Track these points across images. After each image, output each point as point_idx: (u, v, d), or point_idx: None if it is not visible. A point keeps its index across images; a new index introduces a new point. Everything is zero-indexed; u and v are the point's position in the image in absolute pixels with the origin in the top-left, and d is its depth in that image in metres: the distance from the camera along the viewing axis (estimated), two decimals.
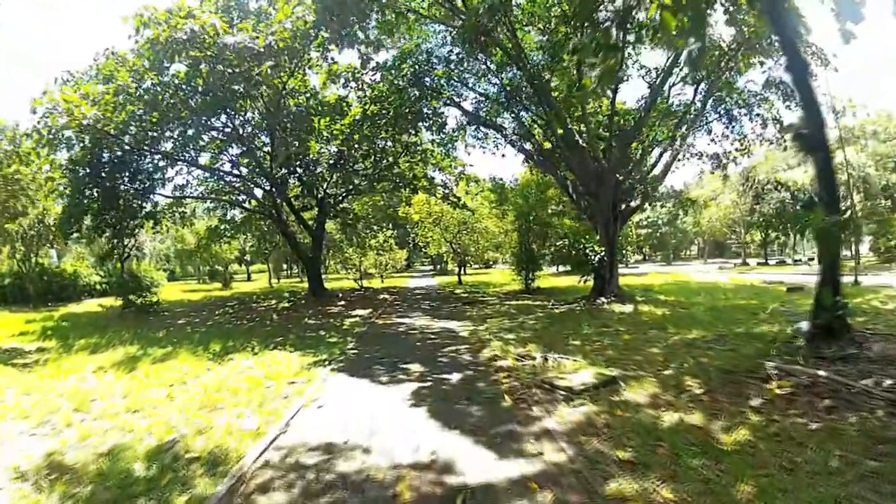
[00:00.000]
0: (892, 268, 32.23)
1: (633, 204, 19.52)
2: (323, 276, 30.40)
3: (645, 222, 63.27)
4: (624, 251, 30.82)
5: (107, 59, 18.63)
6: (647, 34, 7.93)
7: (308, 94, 21.05)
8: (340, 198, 27.33)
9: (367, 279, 36.40)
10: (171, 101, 17.93)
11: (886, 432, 4.39)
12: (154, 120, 17.72)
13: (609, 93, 17.76)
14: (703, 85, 18.91)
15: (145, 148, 20.39)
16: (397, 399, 6.40)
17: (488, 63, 18.99)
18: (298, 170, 24.29)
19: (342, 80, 19.61)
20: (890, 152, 41.36)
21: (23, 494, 4.00)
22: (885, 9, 8.27)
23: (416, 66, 19.04)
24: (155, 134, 19.51)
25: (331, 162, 24.32)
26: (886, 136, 41.93)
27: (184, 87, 18.38)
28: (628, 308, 14.20)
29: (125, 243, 23.85)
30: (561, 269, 35.57)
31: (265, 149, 22.49)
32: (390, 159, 24.66)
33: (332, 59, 18.11)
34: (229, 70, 15.64)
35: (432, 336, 11.92)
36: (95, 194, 20.69)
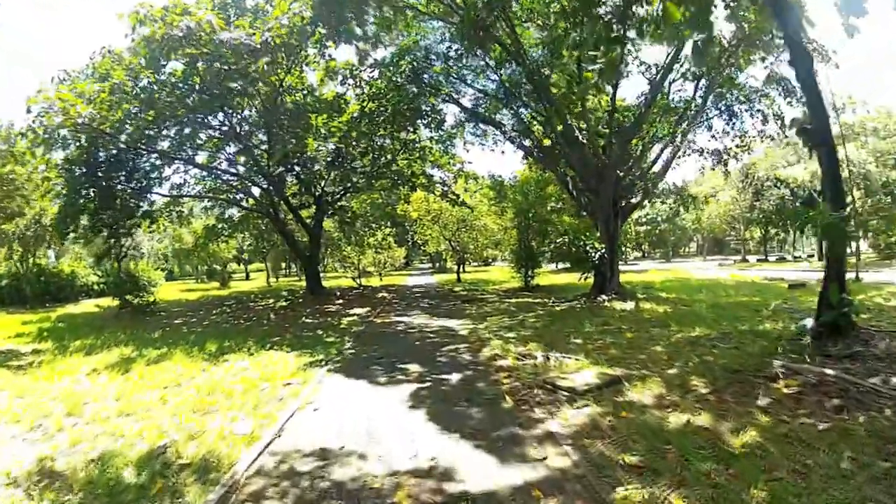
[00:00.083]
0: (893, 264, 32.14)
1: (633, 201, 19.37)
2: (321, 275, 30.27)
3: (644, 219, 63.07)
4: (623, 248, 30.62)
5: (103, 58, 18.44)
6: (648, 28, 7.74)
7: (305, 91, 20.87)
8: (338, 196, 27.16)
9: (365, 277, 36.24)
10: (168, 99, 17.74)
11: None
12: (150, 118, 17.52)
13: (609, 88, 17.59)
14: (703, 81, 18.75)
15: (142, 147, 20.22)
16: (395, 401, 6.24)
17: (487, 59, 18.81)
18: (296, 168, 24.11)
19: (340, 77, 19.43)
20: (890, 149, 41.24)
21: (14, 501, 3.90)
22: (888, 3, 8.14)
23: (415, 63, 18.87)
24: (151, 133, 19.32)
25: (328, 159, 24.17)
26: (886, 133, 41.81)
27: (180, 84, 18.19)
28: (630, 305, 14.06)
29: (122, 243, 23.68)
30: (560, 266, 35.44)
31: (262, 147, 22.31)
32: (388, 157, 24.50)
33: (330, 55, 17.94)
34: (225, 67, 15.45)
35: (431, 335, 11.76)
36: (92, 194, 20.52)
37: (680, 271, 34.67)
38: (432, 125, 21.51)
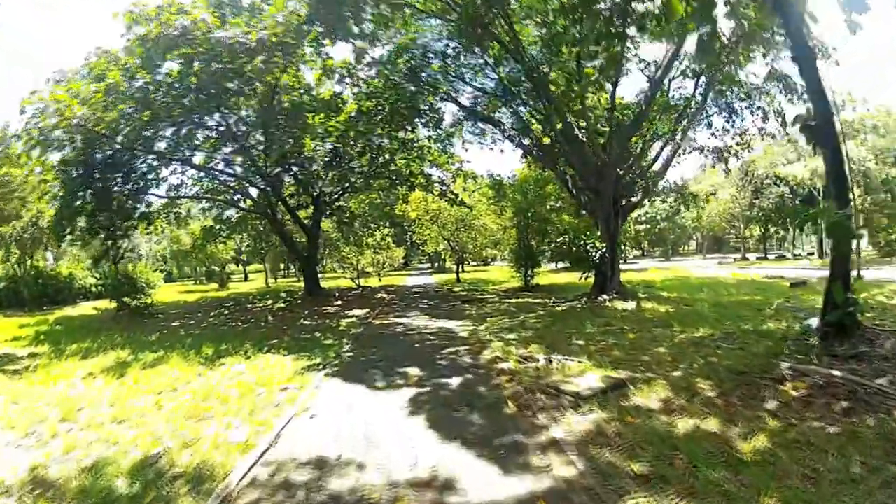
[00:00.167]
0: (893, 262, 32.07)
1: (633, 199, 19.25)
2: (320, 276, 30.12)
3: (643, 218, 62.99)
4: (623, 247, 30.62)
5: (98, 58, 18.26)
6: (650, 24, 7.63)
7: (302, 90, 20.71)
8: (336, 196, 27.02)
9: (364, 278, 36.11)
10: (164, 99, 17.59)
11: None
12: (146, 119, 17.37)
13: (609, 86, 17.47)
14: (703, 78, 18.64)
15: (138, 148, 20.05)
16: (394, 406, 6.09)
17: (485, 57, 18.66)
18: (293, 168, 23.94)
19: (337, 76, 19.27)
20: (889, 146, 41.19)
21: None
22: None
23: (412, 61, 18.72)
24: (148, 133, 19.17)
25: (326, 159, 24.00)
26: (886, 131, 41.75)
27: (176, 85, 18.02)
28: (631, 305, 13.94)
29: (119, 245, 23.52)
30: (560, 265, 35.37)
31: (259, 147, 22.16)
32: (387, 156, 24.36)
33: (327, 54, 17.79)
34: (220, 66, 15.31)
35: (431, 337, 11.60)
36: (88, 196, 20.36)
37: (680, 270, 34.56)
38: (430, 124, 21.37)
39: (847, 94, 35.65)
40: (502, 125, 20.88)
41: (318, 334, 12.60)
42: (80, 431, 5.57)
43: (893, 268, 26.02)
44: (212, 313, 19.40)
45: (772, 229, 58.32)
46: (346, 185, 26.04)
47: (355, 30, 13.43)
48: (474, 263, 56.81)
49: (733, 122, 20.53)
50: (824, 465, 3.81)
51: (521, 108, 20.04)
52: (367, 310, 18.31)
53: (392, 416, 5.73)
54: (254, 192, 25.58)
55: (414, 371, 7.87)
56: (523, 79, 18.06)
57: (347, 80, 19.48)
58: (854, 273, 18.30)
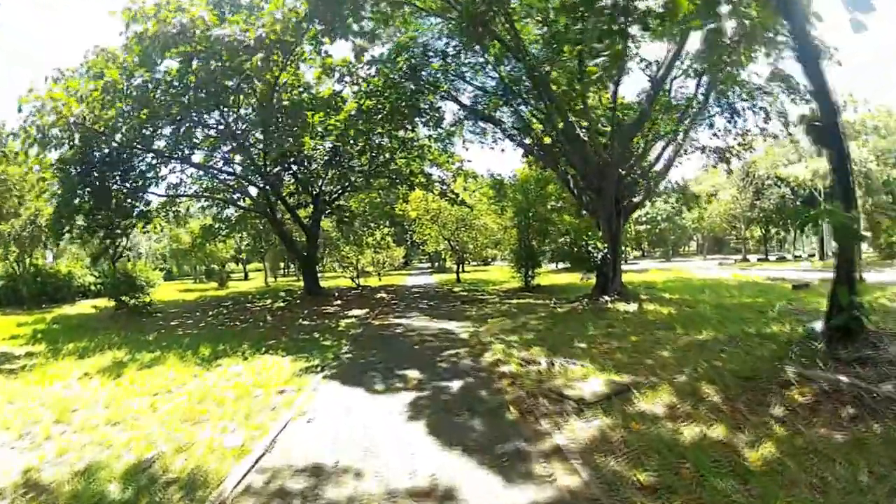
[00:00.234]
0: (895, 264, 31.98)
1: (635, 199, 19.12)
2: (319, 275, 30.02)
3: (644, 218, 62.88)
4: (624, 247, 30.53)
5: (97, 56, 18.14)
6: (653, 21, 7.52)
7: (302, 88, 20.60)
8: (336, 195, 26.92)
9: (364, 277, 36.00)
10: (163, 97, 17.50)
11: None
12: (144, 117, 17.26)
13: (611, 85, 17.35)
14: (704, 78, 18.52)
15: (137, 146, 19.97)
16: (393, 411, 5.97)
17: (486, 56, 18.54)
18: (293, 167, 23.86)
19: (337, 75, 19.16)
20: (891, 148, 41.11)
21: None
22: None
23: (412, 60, 18.57)
24: (147, 132, 19.08)
25: (326, 158, 23.91)
26: (887, 132, 41.67)
27: (175, 83, 17.93)
28: (633, 307, 13.79)
29: (117, 243, 23.43)
30: (560, 265, 35.26)
31: (259, 146, 22.06)
32: (387, 155, 24.27)
33: (326, 52, 17.67)
34: (219, 64, 15.20)
35: (431, 338, 11.47)
36: (87, 194, 20.27)
37: (681, 271, 34.45)
38: (431, 123, 21.24)
39: (848, 95, 35.66)
40: (503, 124, 20.75)
41: (316, 335, 12.50)
42: (74, 434, 5.49)
43: (895, 270, 25.91)
44: (210, 312, 19.30)
45: (772, 231, 58.23)
46: (346, 184, 25.94)
47: (355, 27, 13.31)
48: (474, 263, 56.67)
49: (735, 122, 20.43)
50: (832, 473, 3.74)
51: (522, 107, 19.91)
52: (367, 310, 18.20)
53: (391, 421, 5.61)
54: (253, 190, 25.49)
55: (414, 374, 7.75)
56: (524, 77, 17.94)
57: (347, 78, 19.37)
58: (855, 275, 18.27)
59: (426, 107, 20.33)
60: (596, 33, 7.56)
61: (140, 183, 22.19)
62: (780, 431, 4.61)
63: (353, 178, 25.29)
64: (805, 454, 4.10)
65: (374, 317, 16.14)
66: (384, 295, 25.37)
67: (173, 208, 25.82)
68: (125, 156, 20.78)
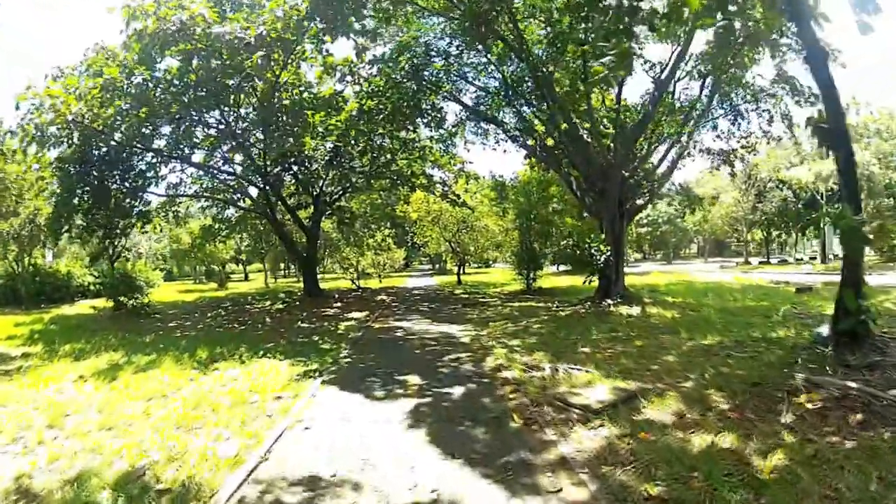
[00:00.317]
0: None
1: (639, 202, 18.98)
2: (320, 277, 29.88)
3: (645, 221, 62.83)
4: (626, 249, 30.45)
5: (96, 54, 18.03)
6: (659, 21, 7.40)
7: (302, 88, 20.48)
8: (337, 196, 26.78)
9: (364, 279, 35.88)
10: (162, 96, 17.37)
11: None
12: (143, 116, 17.13)
13: (615, 86, 17.24)
14: (709, 79, 18.42)
15: (137, 145, 19.84)
16: (393, 419, 5.78)
17: (489, 56, 18.43)
18: (293, 167, 23.72)
19: (338, 74, 19.01)
20: (893, 150, 41.03)
21: None
22: None
23: (415, 59, 18.45)
24: (146, 131, 18.96)
25: (327, 159, 23.77)
26: (889, 135, 41.59)
27: (176, 82, 17.81)
28: (636, 310, 13.64)
29: (116, 243, 23.32)
30: (561, 268, 35.13)
31: (259, 145, 21.94)
32: (388, 156, 24.12)
33: (327, 50, 17.53)
34: (218, 62, 15.07)
35: (431, 342, 11.29)
36: (85, 193, 20.16)
37: (683, 274, 34.34)
38: (432, 124, 21.11)
39: (851, 98, 35.56)
40: (505, 125, 20.63)
41: (315, 338, 12.31)
42: (66, 439, 5.35)
43: None
44: (209, 314, 19.15)
45: (774, 233, 58.13)
46: (347, 185, 25.80)
47: (356, 26, 13.20)
48: (475, 265, 56.53)
49: (739, 124, 20.32)
50: (844, 482, 3.67)
51: (525, 107, 19.80)
52: (367, 312, 18.05)
53: (391, 430, 5.43)
54: (253, 191, 25.36)
55: (414, 379, 7.57)
56: (527, 78, 17.82)
57: (349, 78, 19.21)
58: (862, 279, 18.14)
59: (428, 107, 20.20)
60: (602, 32, 7.44)
61: (139, 182, 22.05)
62: (790, 439, 4.49)
63: (353, 179, 25.14)
64: (816, 463, 4.02)
65: (374, 319, 15.97)
66: (384, 297, 25.21)
67: (173, 208, 25.66)
68: (124, 155, 20.65)
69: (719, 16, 6.14)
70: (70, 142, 18.47)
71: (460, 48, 18.64)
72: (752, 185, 48.57)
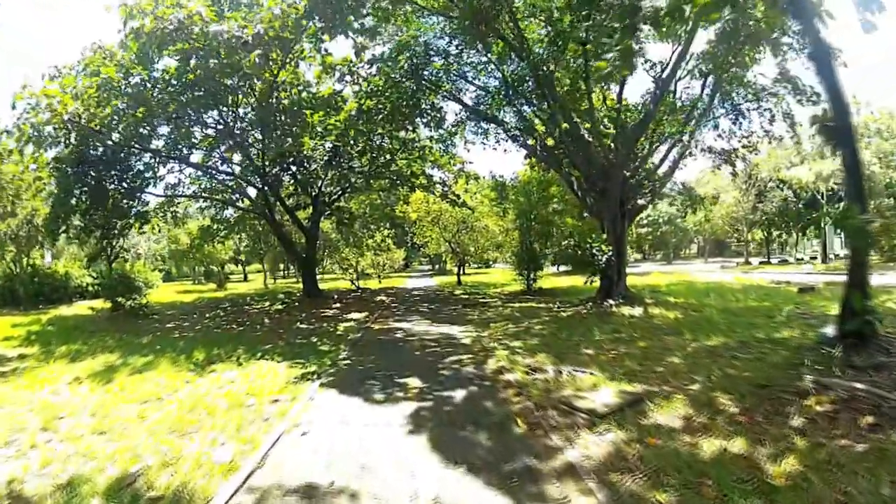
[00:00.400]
0: None
1: (640, 202, 18.85)
2: (319, 277, 29.75)
3: (645, 221, 62.72)
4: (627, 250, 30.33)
5: (94, 54, 17.90)
6: (662, 18, 7.29)
7: (301, 87, 20.34)
8: (336, 196, 26.64)
9: (364, 280, 35.75)
10: (160, 96, 17.24)
11: None
12: (140, 115, 17.00)
13: (616, 86, 17.14)
14: (710, 78, 18.32)
15: (135, 145, 19.71)
16: (393, 423, 5.61)
17: (489, 55, 18.30)
18: (292, 167, 23.60)
19: (337, 74, 18.88)
20: (893, 150, 40.95)
21: None
22: None
23: (414, 59, 18.31)
24: (144, 131, 18.83)
25: (325, 159, 23.64)
26: (889, 134, 41.52)
27: (174, 82, 17.67)
28: (638, 311, 13.51)
29: (113, 244, 23.20)
30: (562, 268, 34.98)
31: (258, 145, 21.81)
32: (387, 156, 24.00)
33: (326, 50, 17.40)
34: (215, 61, 14.93)
35: (432, 343, 11.13)
36: (83, 194, 20.04)
37: (683, 274, 34.21)
38: (432, 124, 20.98)
39: (852, 97, 35.49)
40: (506, 124, 20.50)
41: (314, 339, 12.15)
42: (59, 443, 5.24)
43: None
44: (207, 315, 19.00)
45: (774, 233, 58.03)
46: (346, 185, 25.66)
47: (355, 24, 13.08)
48: (475, 266, 56.44)
49: (740, 123, 20.21)
50: (855, 487, 3.62)
51: (525, 107, 19.67)
52: (366, 313, 17.89)
53: (390, 435, 5.27)
54: (252, 191, 25.23)
55: (414, 382, 7.40)
56: (528, 77, 17.70)
57: (347, 77, 19.07)
58: (869, 279, 18.02)
59: (427, 107, 20.09)
60: (605, 30, 7.34)
61: (137, 183, 21.97)
62: (801, 444, 4.39)
63: (353, 179, 25.00)
64: (828, 467, 3.95)
65: (374, 320, 15.82)
66: (384, 298, 25.07)
67: (171, 209, 25.57)
68: (122, 155, 20.56)
69: (726, 11, 6.07)
70: (67, 142, 18.37)
71: (460, 47, 18.51)
72: (752, 184, 48.45)
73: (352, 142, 21.57)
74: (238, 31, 13.81)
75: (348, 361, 9.38)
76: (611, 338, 10.03)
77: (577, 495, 3.78)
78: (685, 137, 18.81)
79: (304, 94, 20.13)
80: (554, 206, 25.41)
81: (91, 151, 19.64)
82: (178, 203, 26.36)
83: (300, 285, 29.87)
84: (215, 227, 27.44)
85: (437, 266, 63.77)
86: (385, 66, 18.30)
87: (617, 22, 7.32)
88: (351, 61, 18.35)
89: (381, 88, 18.89)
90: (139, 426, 5.67)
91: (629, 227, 19.84)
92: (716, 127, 20.63)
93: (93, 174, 19.92)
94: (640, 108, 19.62)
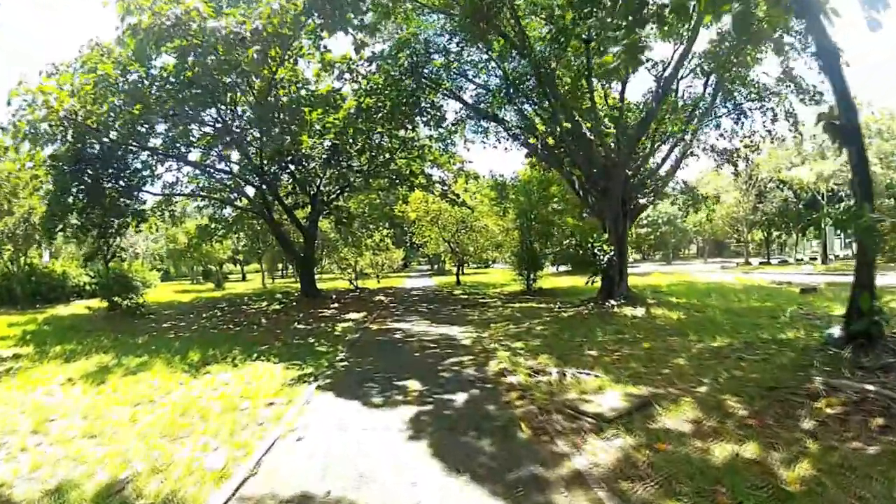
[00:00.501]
0: None
1: (642, 201, 18.70)
2: (317, 277, 29.57)
3: (645, 221, 62.52)
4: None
5: (91, 51, 17.71)
6: (669, 13, 7.15)
7: (300, 84, 20.16)
8: (335, 195, 26.46)
9: (362, 279, 35.60)
10: (158, 93, 17.06)
11: None
12: (137, 112, 16.82)
13: (623, 77, 16.97)
14: (712, 77, 18.19)
15: (132, 143, 19.53)
16: (392, 428, 5.41)
17: (490, 53, 18.14)
18: (290, 166, 23.41)
19: (336, 72, 18.70)
20: (894, 150, 40.88)
21: None
22: None
23: (414, 56, 18.16)
24: (142, 129, 18.65)
25: (324, 157, 23.45)
26: (890, 135, 41.44)
27: (172, 79, 17.49)
28: (640, 311, 13.36)
29: (110, 243, 23.02)
30: (561, 268, 34.86)
31: (256, 144, 21.63)
32: (387, 155, 23.82)
33: (325, 47, 17.22)
34: (212, 58, 14.75)
35: (431, 344, 10.96)
36: (80, 192, 19.86)
37: (684, 274, 34.10)
38: (432, 122, 20.80)
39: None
40: (506, 123, 20.35)
41: (311, 340, 11.96)
42: (50, 446, 5.11)
43: None
44: (204, 315, 18.82)
45: (774, 234, 57.93)
46: (345, 184, 25.46)
47: (355, 21, 12.92)
48: (474, 266, 56.30)
49: (742, 123, 20.10)
50: (869, 490, 3.56)
51: (526, 105, 19.50)
52: (365, 313, 17.73)
53: (389, 441, 5.08)
54: (250, 190, 25.05)
55: (414, 385, 7.21)
56: (529, 75, 17.54)
57: (347, 75, 18.90)
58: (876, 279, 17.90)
59: (427, 105, 19.92)
60: (610, 26, 7.18)
61: (135, 181, 21.79)
62: (813, 447, 4.29)
63: (351, 178, 24.80)
64: (841, 471, 3.87)
65: (373, 321, 15.65)
66: (383, 297, 24.92)
67: (169, 207, 25.39)
68: (119, 153, 20.38)
69: (736, 4, 5.92)
70: (64, 139, 18.18)
71: (461, 45, 18.37)
72: (752, 185, 48.33)
73: (351, 140, 21.39)
74: (236, 27, 13.63)
75: (346, 363, 9.20)
76: (614, 339, 9.86)
77: None
78: (687, 136, 18.66)
79: (302, 92, 19.92)
80: (554, 205, 25.27)
81: (88, 149, 19.44)
82: (176, 202, 26.19)
83: (298, 285, 29.72)
84: (213, 226, 27.27)
85: (435, 266, 63.63)
86: (385, 64, 18.13)
87: (622, 18, 7.18)
88: (350, 59, 18.18)
89: (380, 86, 18.73)
90: (130, 429, 5.51)
91: (630, 227, 19.70)
92: (718, 126, 20.55)
93: (90, 172, 19.72)
94: (641, 106, 19.49)
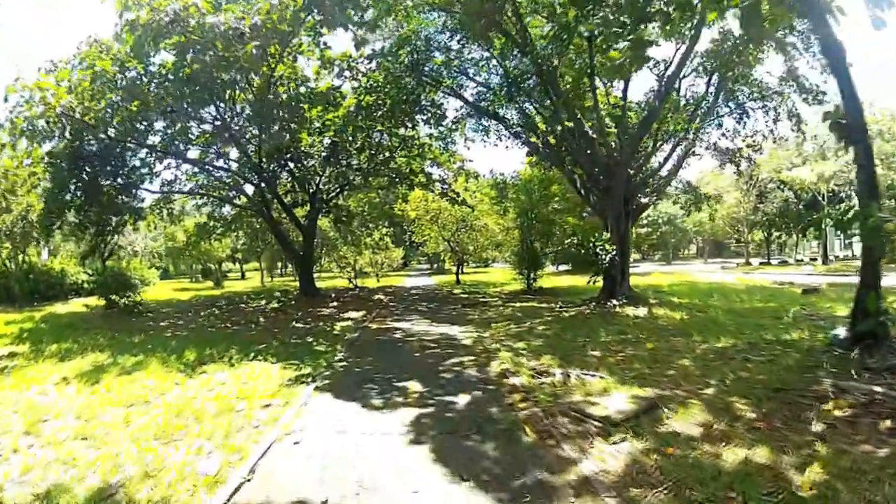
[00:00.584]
0: None
1: (644, 200, 18.58)
2: (316, 275, 29.45)
3: (645, 221, 62.36)
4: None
5: (89, 48, 17.57)
6: (674, 10, 7.05)
7: (299, 82, 20.02)
8: (334, 193, 26.33)
9: (362, 278, 35.49)
10: (156, 90, 16.91)
11: None
12: (134, 109, 16.68)
13: (620, 83, 16.88)
14: (715, 76, 18.08)
15: (130, 141, 19.39)
16: (392, 431, 5.26)
17: (491, 51, 18.00)
18: (289, 164, 23.29)
19: (336, 69, 18.58)
20: (894, 151, 40.77)
21: None
22: None
23: (415, 54, 18.02)
24: (140, 126, 18.51)
25: (323, 155, 23.31)
26: (891, 136, 41.34)
27: (170, 76, 17.34)
28: (643, 311, 13.24)
29: (108, 241, 22.88)
30: (562, 268, 34.74)
31: (255, 141, 21.50)
32: (386, 153, 23.69)
33: (325, 43, 17.09)
34: (211, 53, 14.61)
35: (432, 344, 10.81)
36: (77, 189, 19.72)
37: (684, 274, 33.99)
38: (432, 121, 20.68)
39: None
40: (507, 121, 20.21)
41: (310, 339, 11.81)
42: (41, 448, 5.00)
43: None
44: (202, 313, 18.68)
45: (774, 234, 57.83)
46: (344, 182, 25.35)
47: (355, 17, 12.80)
48: (474, 265, 56.18)
49: (744, 122, 20.00)
50: (882, 494, 3.51)
51: (528, 104, 19.36)
52: (364, 312, 17.59)
53: (390, 445, 4.92)
54: (249, 188, 24.94)
55: (414, 386, 7.06)
56: (530, 73, 17.41)
57: (346, 73, 18.79)
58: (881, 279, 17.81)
59: (428, 103, 19.79)
60: (614, 23, 7.08)
61: (133, 179, 21.66)
62: (824, 451, 4.22)
63: (351, 177, 24.70)
64: (853, 475, 3.80)
65: (372, 320, 15.52)
66: (382, 296, 24.80)
67: (168, 205, 25.26)
68: (118, 151, 20.24)
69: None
70: (61, 136, 18.04)
71: (462, 43, 18.22)
72: (753, 185, 48.20)
73: (350, 138, 21.26)
74: (235, 23, 13.51)
75: (345, 363, 9.05)
76: (617, 339, 9.74)
77: None
78: (689, 136, 18.55)
79: (302, 89, 19.81)
80: (555, 204, 25.16)
81: (86, 146, 19.31)
82: (175, 200, 26.05)
83: (297, 283, 29.60)
84: (212, 224, 27.16)
85: (435, 265, 63.50)
86: (385, 62, 18.00)
87: (626, 15, 7.08)
88: (350, 56, 18.07)
89: (380, 84, 18.60)
90: (123, 431, 5.40)
91: (632, 227, 19.58)
92: (720, 126, 20.47)
93: (88, 169, 19.60)
94: (643, 105, 19.39)
